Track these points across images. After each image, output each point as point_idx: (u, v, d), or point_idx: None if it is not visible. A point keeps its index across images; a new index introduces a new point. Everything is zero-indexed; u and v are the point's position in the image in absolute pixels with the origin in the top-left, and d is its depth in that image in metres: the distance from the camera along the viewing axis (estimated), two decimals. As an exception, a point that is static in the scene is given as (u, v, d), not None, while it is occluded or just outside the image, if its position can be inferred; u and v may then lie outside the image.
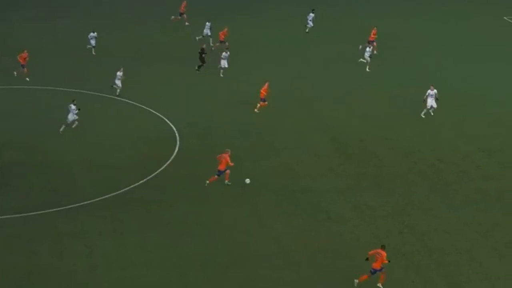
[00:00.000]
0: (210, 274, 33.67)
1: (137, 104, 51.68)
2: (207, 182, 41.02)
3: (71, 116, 47.03)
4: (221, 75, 56.93)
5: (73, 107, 46.97)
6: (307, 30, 68.45)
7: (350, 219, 38.54)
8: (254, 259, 34.80)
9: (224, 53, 57.16)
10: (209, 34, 63.68)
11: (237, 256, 34.99)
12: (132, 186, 40.98)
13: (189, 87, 55.16)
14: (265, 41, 66.31)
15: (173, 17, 70.47)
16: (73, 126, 47.18)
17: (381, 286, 33.03)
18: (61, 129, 46.91)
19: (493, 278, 33.88)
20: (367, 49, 59.45)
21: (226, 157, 40.85)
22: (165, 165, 43.48)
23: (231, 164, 40.81)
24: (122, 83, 52.71)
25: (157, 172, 42.57)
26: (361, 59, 59.49)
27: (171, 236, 36.51)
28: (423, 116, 50.05)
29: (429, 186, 42.19)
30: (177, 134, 47.41)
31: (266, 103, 50.62)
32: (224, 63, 56.94)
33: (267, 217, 38.56)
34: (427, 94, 49.72)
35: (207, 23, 63.99)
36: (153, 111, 50.61)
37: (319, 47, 64.59)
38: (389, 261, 32.65)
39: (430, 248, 36.12)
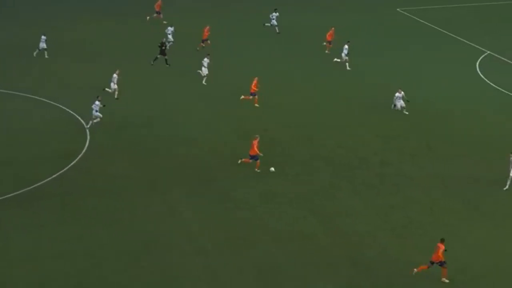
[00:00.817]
0: (123, 263, 33.74)
1: (49, 102, 51.15)
2: (241, 160, 42.52)
3: (96, 114, 47.15)
4: (204, 83, 55.28)
5: (97, 103, 47.06)
6: (277, 31, 67.68)
7: (257, 206, 38.98)
8: (165, 247, 34.98)
9: (205, 59, 55.28)
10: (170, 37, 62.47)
11: (148, 245, 35.11)
12: (44, 180, 40.59)
13: (101, 83, 54.75)
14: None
15: (148, 17, 70.28)
16: (95, 121, 47.25)
17: (445, 280, 33.08)
18: (89, 125, 47.16)
19: (393, 259, 34.63)
20: (345, 46, 58.81)
21: (254, 143, 42.12)
22: (76, 159, 43.17)
23: (257, 151, 42.04)
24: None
25: (68, 166, 42.25)
26: (336, 59, 59.25)
27: (85, 228, 36.41)
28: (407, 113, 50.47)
29: (331, 171, 42.85)
30: (87, 130, 47.08)
31: (251, 97, 51.04)
32: (205, 71, 55.13)
33: (177, 206, 38.75)
34: (395, 97, 49.69)
35: (169, 28, 62.92)
36: (64, 107, 50.13)
37: (223, 42, 64.58)
38: (445, 250, 32.72)
39: (333, 231, 36.75)
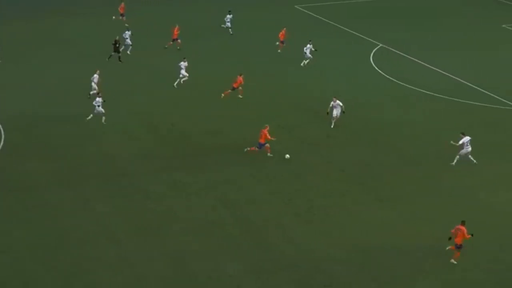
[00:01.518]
0: (40, 257, 33.78)
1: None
2: (247, 149, 43.80)
3: (99, 109, 47.36)
4: (181, 82, 54.96)
5: (98, 99, 47.36)
6: (231, 32, 67.70)
7: (166, 197, 39.47)
8: (79, 240, 35.17)
9: (182, 63, 54.76)
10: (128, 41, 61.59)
11: (63, 239, 35.25)
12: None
13: (17, 80, 54.25)
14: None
15: (114, 17, 69.78)
16: (103, 117, 47.66)
17: (454, 261, 33.78)
18: (88, 118, 47.66)
19: (297, 241, 35.63)
20: (308, 45, 59.23)
21: (264, 132, 43.30)
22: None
23: (270, 138, 43.38)
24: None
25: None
26: (304, 62, 59.60)
27: (1, 223, 36.21)
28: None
29: (237, 162, 43.59)
30: (1, 127, 46.73)
31: (229, 92, 51.80)
32: (184, 73, 54.63)
33: (90, 200, 38.90)
34: (330, 106, 48.36)
35: (126, 32, 61.89)
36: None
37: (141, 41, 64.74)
38: (472, 235, 33.36)
39: (240, 219, 37.56)
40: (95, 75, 51.86)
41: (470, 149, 42.94)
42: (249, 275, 32.88)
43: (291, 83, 54.72)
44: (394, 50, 64.13)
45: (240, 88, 52.08)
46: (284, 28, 63.29)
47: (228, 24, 67.64)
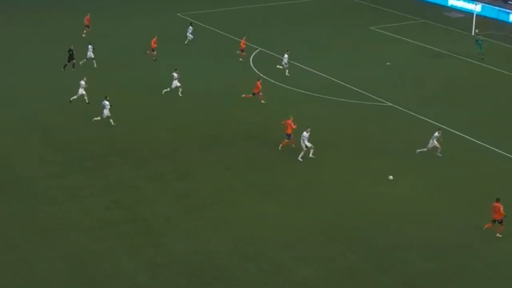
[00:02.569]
0: None
1: None
2: (280, 146, 44.83)
3: (106, 112, 47.19)
4: (180, 94, 54.27)
5: (106, 103, 46.89)
6: (186, 42, 67.19)
7: (62, 201, 39.34)
8: (-22, 246, 34.74)
9: (174, 73, 54.02)
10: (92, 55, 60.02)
11: (-38, 246, 34.75)
12: None
13: None
14: None
15: (83, 31, 68.28)
16: (110, 120, 47.89)
17: (499, 235, 36.10)
18: (95, 119, 47.93)
19: (189, 236, 36.21)
20: (285, 55, 59.12)
21: (289, 122, 44.15)
22: None
23: (294, 126, 44.39)
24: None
25: None
26: (278, 66, 59.58)
27: None
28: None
29: (126, 164, 43.80)
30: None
31: (250, 96, 52.41)
32: (176, 83, 53.94)
33: (-13, 207, 38.41)
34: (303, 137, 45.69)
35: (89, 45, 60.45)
36: None
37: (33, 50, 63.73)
38: (505, 215, 35.69)
39: (134, 218, 37.86)
40: (82, 82, 51.53)
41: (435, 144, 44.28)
42: (144, 271, 33.25)
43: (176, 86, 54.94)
44: (272, 53, 65.22)
45: (261, 93, 52.32)
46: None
47: (191, 36, 67.35)
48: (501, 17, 76.63)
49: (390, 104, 51.86)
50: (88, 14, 70.15)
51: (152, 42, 62.72)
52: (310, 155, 44.55)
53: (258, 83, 52.72)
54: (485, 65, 63.37)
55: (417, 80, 58.30)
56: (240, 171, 43.26)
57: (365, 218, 38.11)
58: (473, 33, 72.52)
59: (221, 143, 46.93)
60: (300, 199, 40.10)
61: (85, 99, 51.47)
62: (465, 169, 44.09)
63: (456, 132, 48.79)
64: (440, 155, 44.45)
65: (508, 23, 75.94)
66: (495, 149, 46.46)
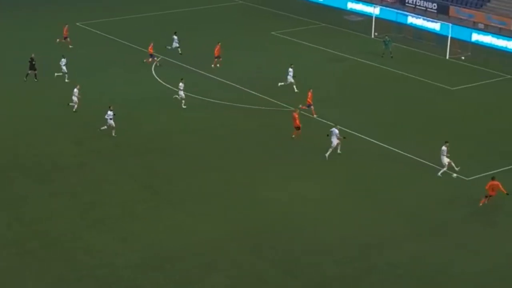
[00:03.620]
0: None
1: None
2: (293, 136, 47.92)
3: (111, 122, 47.71)
4: (184, 107, 53.79)
5: (110, 113, 47.38)
6: (180, 52, 66.34)
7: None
8: None
9: (181, 84, 53.80)
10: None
11: None
12: None
13: None
14: None
15: (58, 39, 66.83)
16: (113, 131, 48.26)
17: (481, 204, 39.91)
18: (102, 128, 48.40)
19: (100, 250, 36.08)
20: (289, 70, 57.63)
21: (295, 115, 47.67)
22: None
23: (298, 123, 47.54)
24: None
25: None
26: (280, 83, 58.13)
27: None
28: None
29: (28, 178, 43.14)
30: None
31: (307, 108, 52.25)
32: (182, 94, 53.74)
33: None
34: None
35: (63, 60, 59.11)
36: None
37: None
38: (507, 194, 39.40)
39: (37, 234, 37.44)
40: (75, 89, 51.67)
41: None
42: (51, 288, 32.91)
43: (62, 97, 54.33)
44: (174, 61, 65.21)
45: (312, 107, 52.16)
46: (219, 43, 63.67)
47: (176, 44, 66.64)
48: (400, 19, 78.62)
49: (293, 108, 52.55)
50: (66, 25, 69.22)
51: (216, 50, 63.24)
52: (338, 151, 46.34)
53: (310, 92, 52.76)
54: (385, 67, 64.97)
55: (318, 84, 59.19)
56: (146, 181, 43.17)
57: (274, 223, 38.66)
58: (372, 36, 74.19)
59: (126, 153, 46.69)
60: (208, 206, 40.39)
61: (73, 105, 52.18)
62: (369, 170, 45.13)
63: (357, 134, 49.90)
64: (456, 170, 44.20)
65: (406, 25, 77.96)
66: (397, 150, 47.72)
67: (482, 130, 51.45)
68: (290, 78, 57.82)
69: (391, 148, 48.18)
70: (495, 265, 35.55)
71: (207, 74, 62.05)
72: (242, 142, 48.79)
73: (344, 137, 46.49)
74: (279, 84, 58.09)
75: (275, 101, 55.80)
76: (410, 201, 41.35)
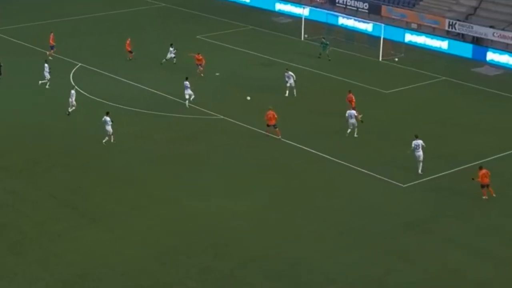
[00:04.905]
0: None
1: None
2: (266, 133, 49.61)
3: (108, 128, 47.96)
4: (187, 106, 55.24)
5: (108, 119, 47.96)
6: (174, 62, 65.83)
7: None
8: None
9: (186, 82, 54.58)
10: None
11: None
12: None
13: None
14: None
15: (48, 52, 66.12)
16: (112, 137, 48.83)
17: (485, 197, 42.62)
18: (104, 141, 48.71)
19: (17, 275, 35.43)
20: (288, 73, 58.33)
21: (272, 113, 49.60)
22: None
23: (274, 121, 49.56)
24: None
25: None
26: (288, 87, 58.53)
27: None
28: None
29: None
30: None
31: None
32: (189, 92, 55.05)
33: None
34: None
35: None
36: None
37: None
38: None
39: None
40: (72, 92, 52.96)
41: (420, 153, 45.53)
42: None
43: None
44: (93, 68, 64.84)
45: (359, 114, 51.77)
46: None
47: (172, 55, 66.02)
48: (330, 20, 79.43)
49: (222, 116, 52.80)
50: (51, 33, 68.15)
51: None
52: (355, 134, 50.40)
53: (351, 94, 53.93)
54: (316, 70, 65.63)
55: (247, 90, 59.48)
56: (66, 198, 42.80)
57: (201, 238, 38.78)
58: (302, 38, 74.89)
59: (42, 170, 46.21)
60: (130, 223, 40.32)
61: (73, 108, 53.34)
62: (304, 179, 45.56)
63: (291, 143, 50.32)
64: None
65: (337, 26, 78.82)
66: (330, 157, 48.30)
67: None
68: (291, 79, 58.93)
69: (324, 155, 48.69)
70: (432, 274, 36.28)
71: (127, 81, 61.84)
72: (163, 152, 48.72)
73: (362, 121, 50.43)
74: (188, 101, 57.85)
75: (200, 109, 55.90)
76: (342, 210, 41.85)
